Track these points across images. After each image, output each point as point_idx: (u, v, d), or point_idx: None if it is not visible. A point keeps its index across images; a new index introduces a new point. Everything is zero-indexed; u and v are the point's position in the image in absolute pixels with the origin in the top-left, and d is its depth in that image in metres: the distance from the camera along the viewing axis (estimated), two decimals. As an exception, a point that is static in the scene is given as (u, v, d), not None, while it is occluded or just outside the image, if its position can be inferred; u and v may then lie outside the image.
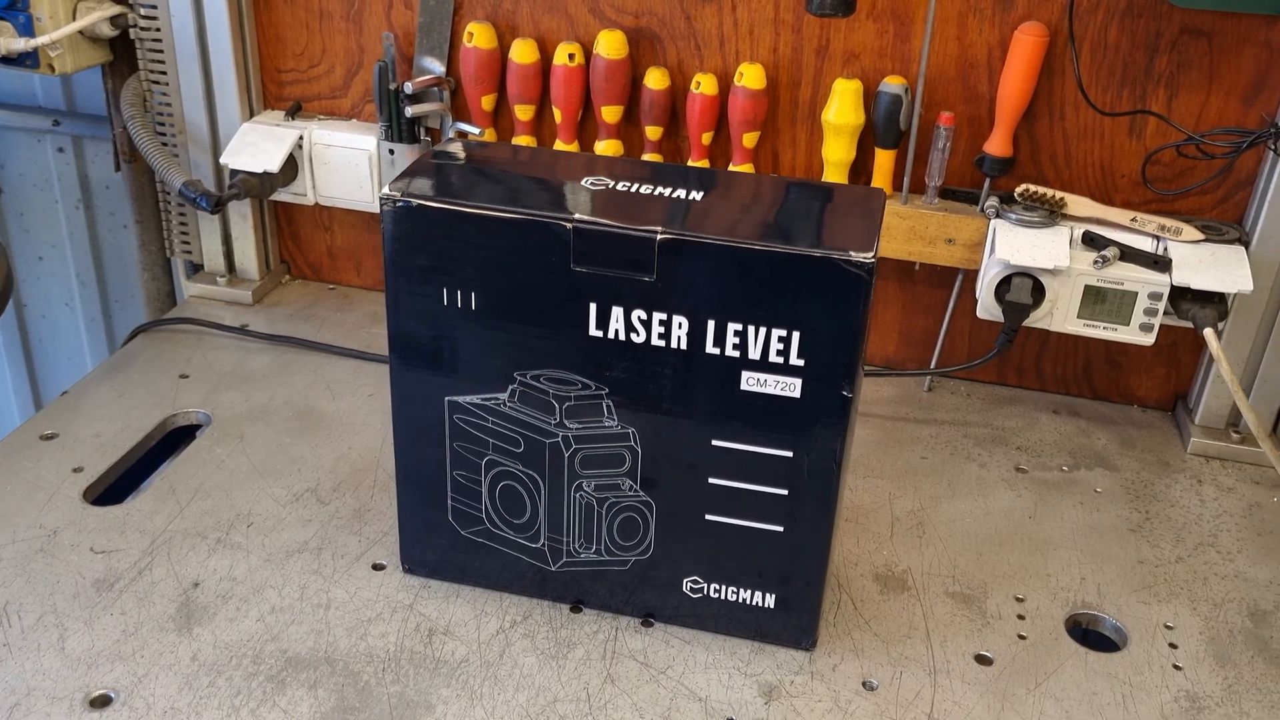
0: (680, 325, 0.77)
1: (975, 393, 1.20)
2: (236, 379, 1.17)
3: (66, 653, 0.83)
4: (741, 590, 0.85)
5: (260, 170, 1.19)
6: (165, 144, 1.25)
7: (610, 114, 1.14)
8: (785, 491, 0.81)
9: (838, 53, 1.09)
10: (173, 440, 1.12)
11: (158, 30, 1.20)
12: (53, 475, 1.01)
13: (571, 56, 1.12)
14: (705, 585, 0.86)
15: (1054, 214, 1.06)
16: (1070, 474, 1.08)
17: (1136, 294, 1.03)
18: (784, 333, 0.75)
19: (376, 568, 0.93)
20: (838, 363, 0.76)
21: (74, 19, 1.19)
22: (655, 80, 1.12)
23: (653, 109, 1.13)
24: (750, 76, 1.09)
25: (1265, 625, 0.91)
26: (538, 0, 1.14)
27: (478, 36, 1.14)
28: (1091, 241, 1.05)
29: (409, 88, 1.14)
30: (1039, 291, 1.04)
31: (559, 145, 1.18)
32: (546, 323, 0.79)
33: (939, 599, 0.92)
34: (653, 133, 1.14)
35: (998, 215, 1.07)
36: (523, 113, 1.17)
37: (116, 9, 1.21)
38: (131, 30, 1.21)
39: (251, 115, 1.25)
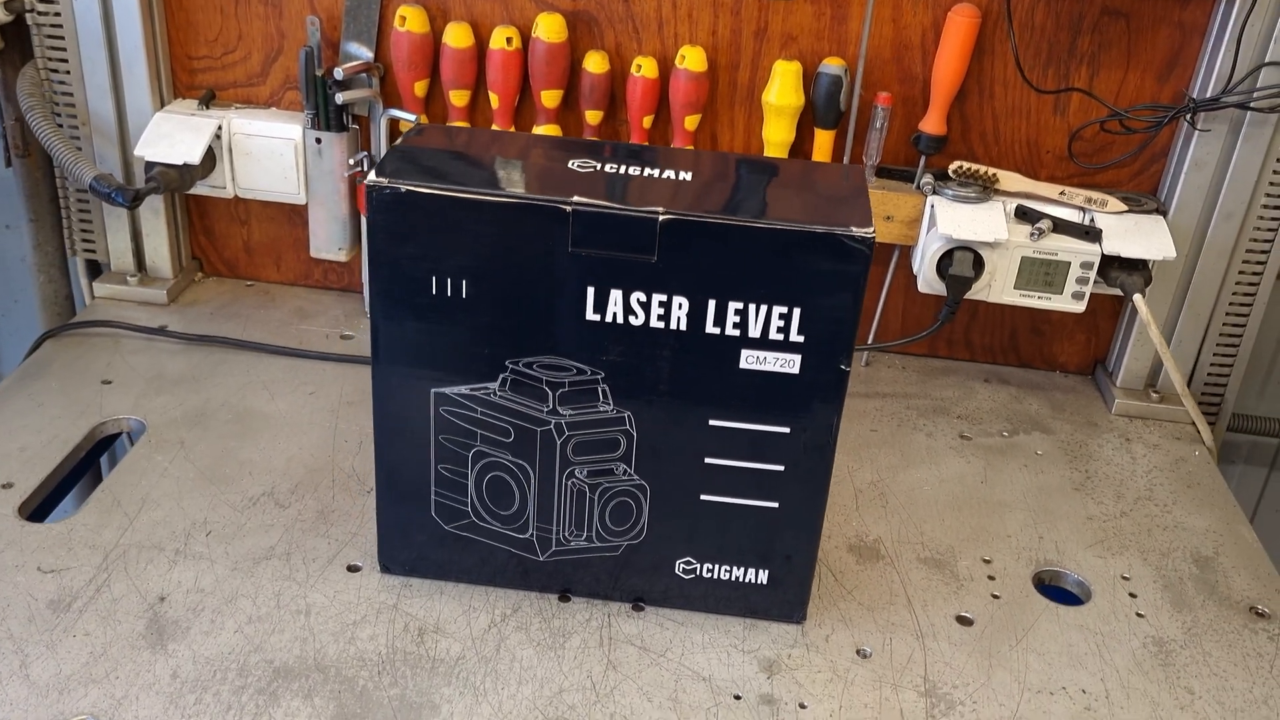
0: (680, 306, 0.77)
1: (910, 365, 1.24)
2: (165, 382, 1.10)
3: (32, 680, 0.77)
4: (735, 568, 0.86)
5: (180, 162, 1.13)
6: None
7: (549, 98, 1.12)
8: (781, 468, 0.82)
9: (776, 35, 1.10)
10: (94, 451, 1.06)
11: (57, 15, 1.13)
12: (-21, 493, 0.95)
13: (509, 40, 1.10)
14: (698, 565, 0.86)
15: (987, 189, 1.10)
16: (1011, 439, 1.13)
17: (1070, 264, 1.08)
18: (785, 310, 0.76)
19: (352, 569, 0.89)
20: (836, 338, 0.77)
21: (-39, 3, 1.10)
22: (595, 64, 1.11)
23: (593, 93, 1.12)
24: (692, 59, 1.09)
25: (1209, 570, 0.97)
26: (469, -17, 1.12)
27: (410, 20, 1.11)
28: (1024, 215, 1.09)
29: (339, 74, 1.10)
30: (979, 264, 1.08)
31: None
32: (541, 308, 0.78)
33: (913, 565, 0.95)
34: (592, 117, 1.14)
35: (935, 192, 1.11)
36: (458, 98, 1.14)
37: (8, -8, 1.13)
38: (28, 15, 1.13)
39: (162, 105, 1.18)
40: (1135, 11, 1.06)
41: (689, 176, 0.79)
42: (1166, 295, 1.13)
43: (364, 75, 1.14)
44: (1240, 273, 1.12)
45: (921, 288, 1.11)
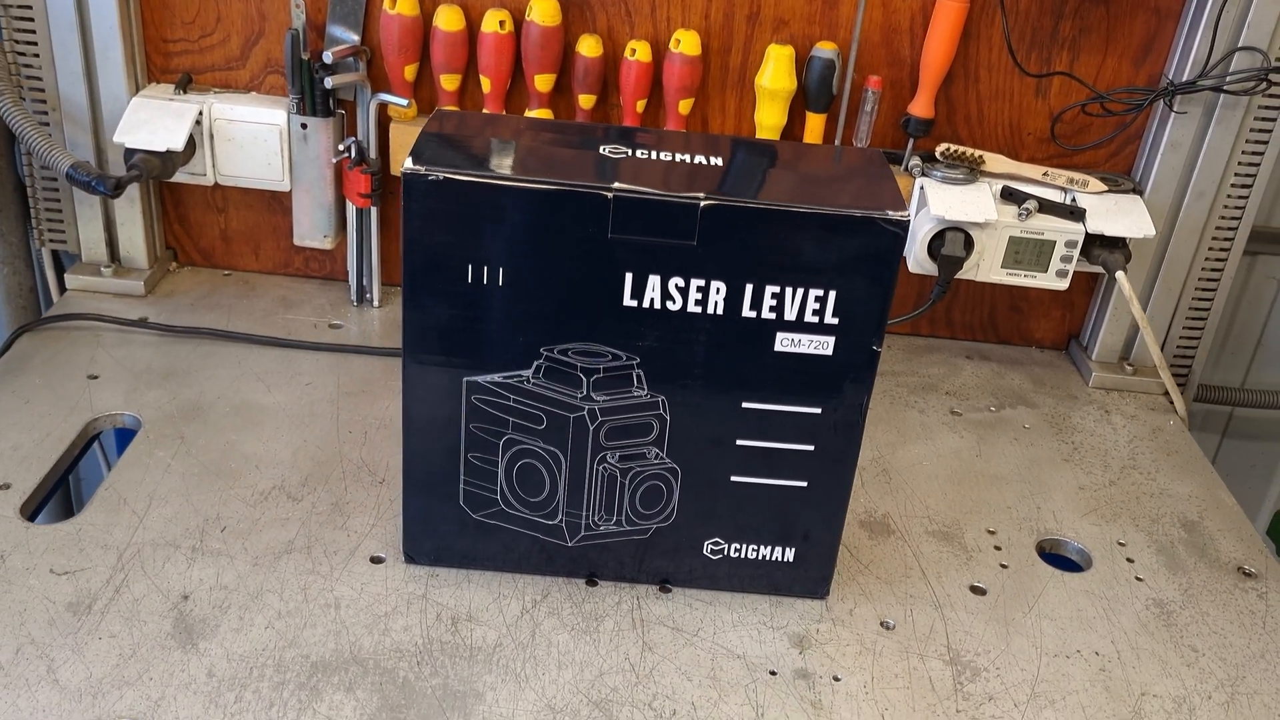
0: (718, 290, 0.77)
1: (894, 344, 1.27)
2: (154, 376, 1.08)
3: (63, 685, 0.75)
4: (761, 547, 0.87)
5: (163, 149, 1.10)
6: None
7: (543, 82, 1.12)
8: (811, 447, 0.83)
9: (768, 19, 1.12)
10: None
11: (27, -4, 1.09)
12: (-25, 495, 0.91)
13: (502, 24, 1.09)
14: (725, 546, 0.88)
15: (974, 171, 1.13)
16: (999, 414, 1.16)
17: (1055, 243, 1.11)
18: (820, 292, 0.78)
19: (375, 560, 0.89)
20: (869, 319, 0.79)
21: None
22: (589, 48, 1.11)
23: (586, 77, 1.12)
24: (687, 43, 1.10)
25: (1197, 533, 1.02)
26: (458, -34, 1.11)
27: (401, 3, 1.09)
28: (1010, 196, 1.12)
29: (328, 58, 1.08)
30: (969, 245, 1.11)
31: (486, 116, 1.15)
32: (578, 295, 0.78)
33: (923, 539, 0.97)
34: (586, 101, 1.13)
35: (923, 174, 1.13)
36: (448, 82, 1.13)
37: (-28, -28, 1.08)
38: (-4, -4, 1.08)
39: (137, 90, 1.15)
40: (1114, -3, 1.10)
41: (720, 162, 0.80)
42: (1141, 271, 1.18)
43: (351, 59, 1.12)
44: (1210, 249, 1.17)
45: (912, 268, 1.14)
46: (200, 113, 1.13)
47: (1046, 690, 0.83)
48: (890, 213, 0.75)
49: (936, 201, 1.10)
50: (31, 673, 0.76)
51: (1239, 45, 1.07)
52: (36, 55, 1.12)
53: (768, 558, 0.88)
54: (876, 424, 1.12)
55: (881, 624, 0.88)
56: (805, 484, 0.85)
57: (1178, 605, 0.93)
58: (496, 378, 0.81)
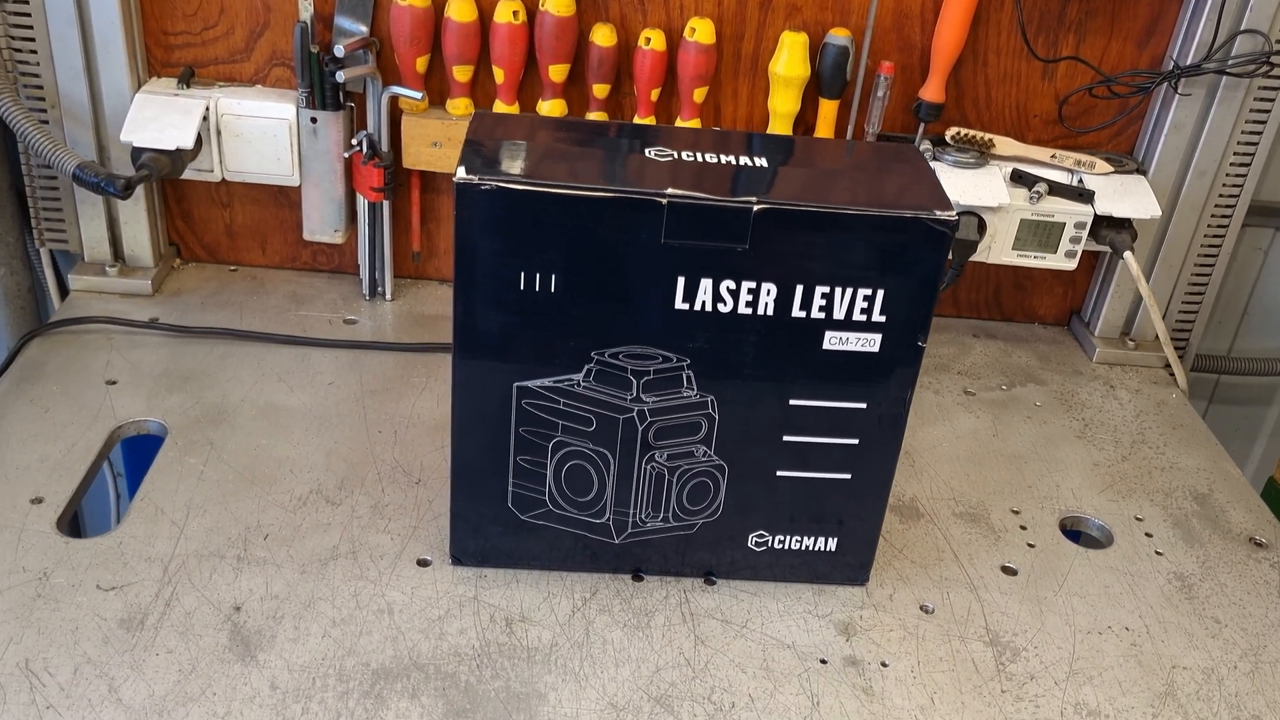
0: (769, 292, 0.78)
1: (901, 324, 1.29)
2: (173, 379, 1.06)
3: (125, 703, 0.75)
4: (805, 538, 0.89)
5: (172, 147, 1.08)
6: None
7: (557, 73, 1.11)
8: (856, 441, 0.85)
9: (780, 6, 1.12)
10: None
11: (24, -8, 1.06)
12: (9, 510, 0.90)
13: (515, 14, 1.08)
14: (770, 538, 0.89)
15: (984, 155, 1.15)
16: (1010, 392, 1.19)
17: (1064, 224, 1.14)
18: (869, 292, 0.79)
19: (422, 563, 0.89)
20: (916, 315, 0.80)
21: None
22: (603, 37, 1.10)
23: (601, 66, 1.11)
24: (702, 31, 1.10)
25: (1208, 505, 1.05)
26: (466, -45, 1.09)
27: (412, -5, 1.08)
28: (1020, 179, 1.14)
29: (340, 51, 1.07)
30: (982, 228, 1.13)
31: (499, 106, 1.14)
32: (630, 299, 0.78)
33: (951, 521, 1.00)
34: (600, 91, 1.13)
35: (935, 158, 1.15)
36: (461, 74, 1.12)
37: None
38: (-7, -7, 1.05)
39: (140, 85, 1.12)
40: (1119, -20, 1.12)
41: (764, 163, 0.81)
42: (1143, 249, 1.21)
43: (362, 52, 1.11)
44: (1209, 226, 1.20)
45: (924, 251, 1.15)
46: (207, 108, 1.11)
47: (1083, 667, 0.86)
48: (938, 212, 0.77)
49: (949, 186, 1.10)
50: (93, 693, 0.76)
51: (1241, 29, 1.09)
52: (34, 51, 1.09)
53: (810, 548, 0.90)
54: (894, 406, 1.14)
55: (921, 608, 0.90)
56: (849, 476, 0.86)
57: (1197, 578, 0.96)
58: (547, 382, 0.82)
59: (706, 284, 0.78)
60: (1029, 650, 0.87)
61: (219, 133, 1.12)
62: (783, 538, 0.89)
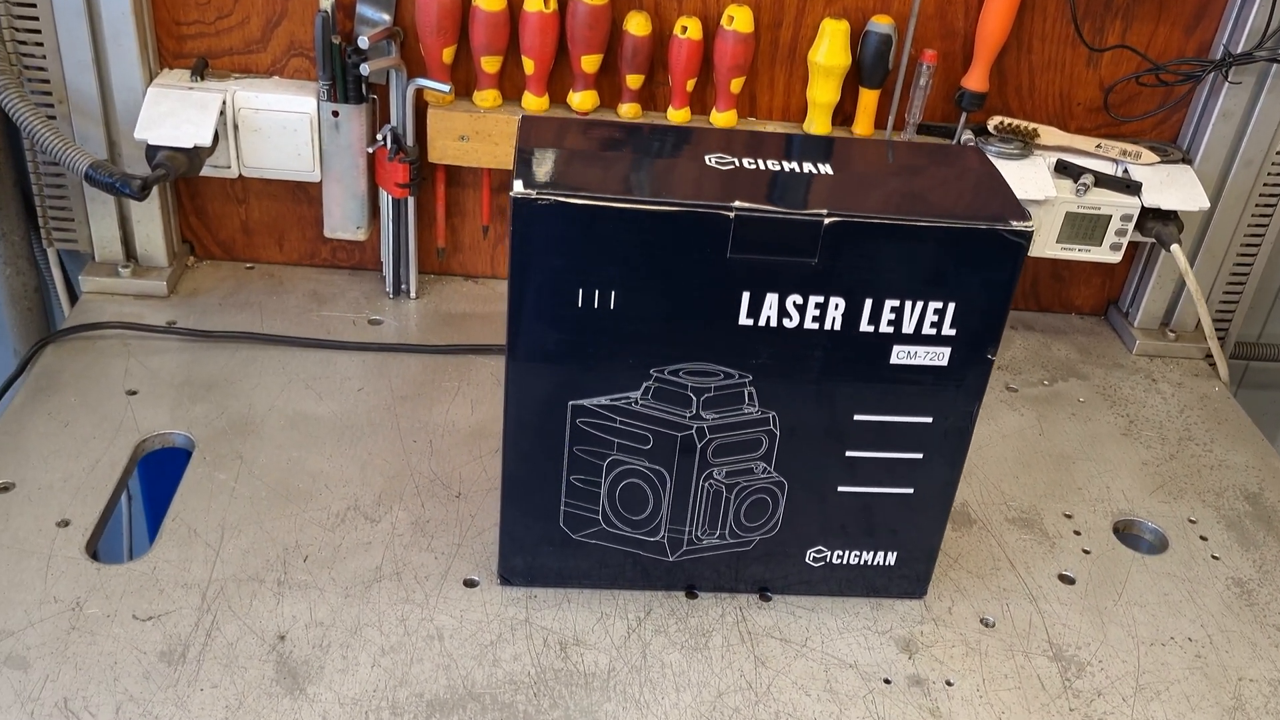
0: (837, 306, 0.75)
1: (936, 316, 1.26)
2: (197, 388, 1.02)
3: (175, 744, 0.72)
4: (864, 553, 0.87)
5: (190, 145, 1.03)
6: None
7: (589, 63, 1.07)
8: (920, 455, 0.82)
9: (819, -8, 1.08)
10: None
11: (30, -18, 1.00)
12: (35, 535, 0.86)
13: (546, 2, 1.04)
14: (828, 553, 0.87)
15: (1028, 145, 1.11)
16: (1052, 387, 1.16)
17: (1110, 217, 1.11)
18: (940, 305, 0.76)
19: (469, 584, 0.86)
20: (987, 328, 0.77)
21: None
22: (637, 26, 1.06)
23: (635, 56, 1.07)
24: (741, 19, 1.05)
25: (1260, 505, 1.04)
26: (493, -60, 1.04)
27: (438, -17, 1.03)
28: (1065, 170, 1.11)
29: (364, 42, 1.02)
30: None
31: (528, 98, 1.10)
32: (693, 316, 0.75)
33: (1004, 527, 0.98)
34: (633, 81, 1.09)
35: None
36: (489, 65, 1.07)
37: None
38: (-3, -16, 1.00)
39: (151, 78, 1.07)
40: (1168, -36, 1.08)
41: (828, 169, 0.77)
42: (1186, 239, 1.18)
43: (385, 42, 1.06)
44: (1254, 216, 1.18)
45: (966, 245, 1.12)
46: (224, 102, 1.06)
47: (1150, 682, 0.84)
48: (1014, 223, 0.73)
49: (994, 178, 1.08)
50: (140, 732, 0.73)
51: (1295, 14, 1.06)
52: (40, 44, 1.04)
53: (868, 562, 0.87)
54: (936, 405, 1.11)
55: (981, 621, 0.88)
56: (911, 490, 0.84)
57: (1255, 583, 0.95)
58: (603, 400, 0.78)
59: (772, 299, 0.75)
60: (1094, 664, 0.85)
61: (236, 127, 1.08)
62: (841, 553, 0.87)
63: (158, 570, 0.84)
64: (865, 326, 0.76)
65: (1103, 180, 1.10)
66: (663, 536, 0.85)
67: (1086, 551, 0.96)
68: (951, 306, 0.76)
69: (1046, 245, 1.12)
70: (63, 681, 0.75)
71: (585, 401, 0.78)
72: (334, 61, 1.05)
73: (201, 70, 1.08)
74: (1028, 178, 1.09)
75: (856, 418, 0.80)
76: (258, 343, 1.09)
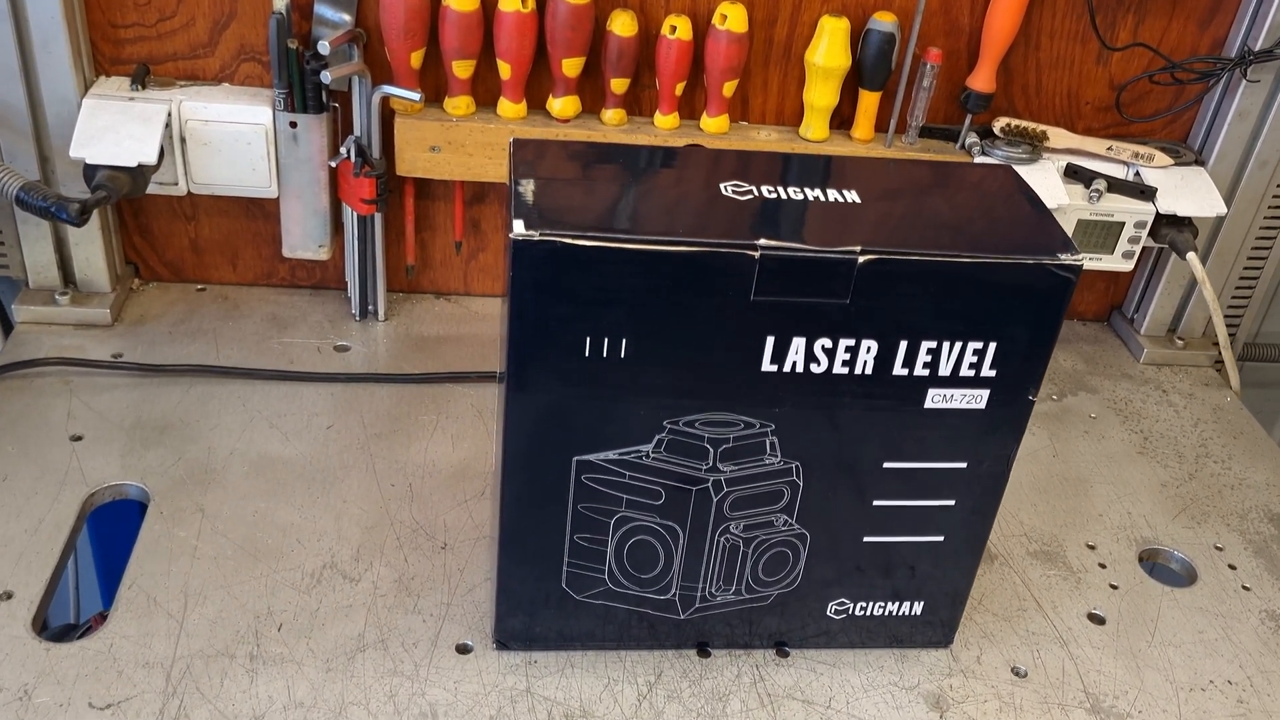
0: (869, 350, 0.68)
1: (936, 326, 1.20)
2: (149, 432, 0.93)
3: None
4: (889, 603, 0.80)
5: (134, 163, 0.93)
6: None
7: (571, 67, 0.99)
8: (952, 502, 0.76)
9: (816, -13, 1.00)
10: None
11: (-53, -16, 0.90)
12: (-27, 609, 0.77)
13: (524, 1, 0.95)
14: (851, 605, 0.80)
15: (1036, 149, 1.05)
16: (1061, 402, 1.11)
17: (1124, 224, 1.05)
18: (979, 345, 0.69)
19: (462, 650, 0.79)
20: (1029, 369, 0.71)
21: None
22: (622, 26, 0.98)
23: (621, 59, 0.99)
24: (735, 18, 0.98)
25: (1286, 528, 0.99)
26: (463, -68, 0.95)
27: (405, -19, 0.94)
28: (1075, 174, 1.05)
29: (325, 47, 0.93)
30: (1037, 230, 1.04)
31: (504, 105, 1.01)
32: (712, 363, 0.68)
33: (1027, 562, 0.92)
34: (618, 85, 1.01)
35: (983, 152, 1.05)
36: (461, 69, 0.99)
37: None
38: (-90, -14, 0.89)
39: (87, 88, 0.97)
40: (1182, -44, 1.02)
41: (856, 197, 0.70)
42: (1199, 242, 1.13)
43: (348, 46, 0.97)
44: (1267, 218, 1.13)
45: (972, 255, 1.06)
46: (169, 114, 0.97)
47: (1194, 733, 0.80)
48: (1062, 256, 0.67)
49: (1003, 186, 1.02)
50: (102, 847, 0.65)
51: (1316, 9, 1.01)
52: (-40, 52, 0.93)
53: (894, 613, 0.81)
54: (944, 425, 1.05)
55: (1013, 671, 0.82)
56: (941, 539, 0.78)
57: (1290, 616, 0.90)
58: (611, 455, 0.71)
59: (799, 343, 0.68)
60: (1134, 716, 0.80)
61: (184, 141, 0.98)
62: (865, 604, 0.80)
63: (115, 648, 0.76)
64: (899, 370, 0.70)
65: (1116, 185, 1.04)
66: (674, 595, 0.78)
67: (1114, 586, 0.91)
68: (993, 347, 0.69)
69: (1056, 254, 1.06)
70: (11, 788, 0.67)
71: (592, 457, 0.71)
72: (291, 68, 0.96)
73: (142, 78, 0.98)
74: (1038, 184, 1.01)
75: (886, 465, 0.74)
76: (214, 376, 1.00)
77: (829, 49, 1.00)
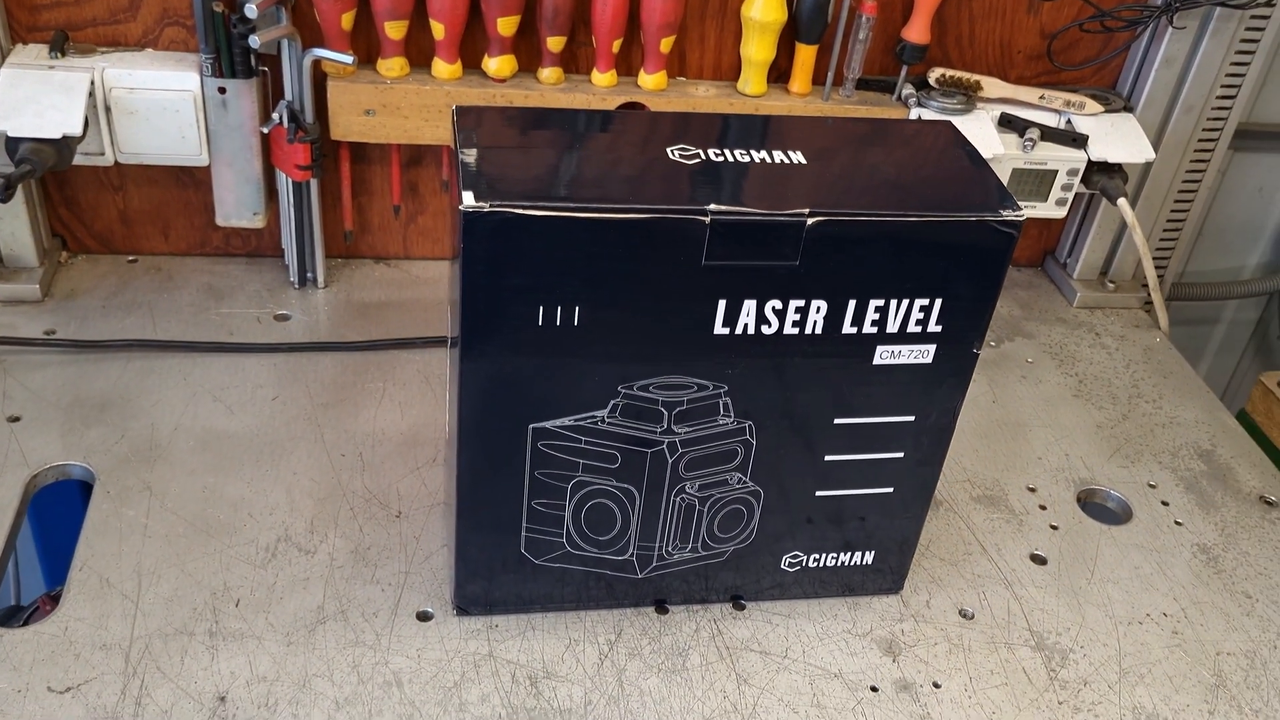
0: (818, 310, 0.69)
1: (875, 275, 1.22)
2: (88, 409, 0.91)
3: (112, 842, 0.64)
4: (841, 554, 0.82)
5: (58, 134, 0.90)
6: None
7: (506, 26, 0.97)
8: (901, 454, 0.78)
9: (752, -59, 1.00)
10: None
11: None
12: (-81, 600, 0.76)
13: (457, -40, 0.94)
14: (804, 558, 0.82)
15: (971, 98, 1.06)
16: (1000, 349, 1.13)
17: (1057, 172, 1.07)
18: (925, 302, 0.70)
19: (422, 617, 0.79)
20: (973, 323, 0.72)
21: None
22: (558, -17, 0.97)
23: (556, 17, 0.98)
24: (671, -26, 0.97)
25: (1214, 463, 1.03)
26: (390, -112, 0.93)
27: (334, -60, 0.92)
28: (1009, 124, 1.07)
29: (252, 11, 0.90)
30: (973, 180, 1.05)
31: (439, 65, 0.99)
32: (664, 328, 0.68)
33: (971, 507, 0.94)
34: (554, 44, 1.00)
35: (919, 104, 1.06)
36: (394, 30, 0.97)
37: None
38: None
39: (3, 58, 0.94)
40: (1109, -97, 1.03)
41: (801, 158, 0.71)
42: (1128, 187, 1.15)
43: (275, 8, 0.94)
44: (1192, 163, 1.16)
45: (910, 205, 1.07)
46: (92, 82, 0.94)
47: (1133, 665, 0.83)
48: (1004, 213, 0.68)
49: (940, 137, 1.03)
50: (70, 832, 0.65)
51: (1239, -45, 1.03)
52: None
53: (846, 563, 0.83)
54: (886, 375, 1.07)
55: (961, 613, 0.85)
56: (891, 490, 0.79)
57: (1220, 548, 0.94)
58: (567, 421, 0.71)
59: (750, 305, 0.68)
60: (1076, 651, 0.83)
61: (109, 110, 0.95)
62: (817, 556, 0.82)
63: (70, 631, 0.75)
64: (848, 328, 0.71)
65: (1048, 134, 1.06)
66: (631, 555, 0.79)
67: (1054, 527, 0.94)
68: (938, 303, 0.71)
69: (992, 203, 1.08)
70: (-28, 778, 0.67)
71: (548, 424, 0.71)
72: (218, 32, 0.94)
73: (61, 45, 0.95)
74: (973, 134, 1.04)
75: (837, 421, 0.75)
76: (152, 350, 0.98)
77: (765, 3, 0.99)
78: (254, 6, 0.91)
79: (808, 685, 0.78)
